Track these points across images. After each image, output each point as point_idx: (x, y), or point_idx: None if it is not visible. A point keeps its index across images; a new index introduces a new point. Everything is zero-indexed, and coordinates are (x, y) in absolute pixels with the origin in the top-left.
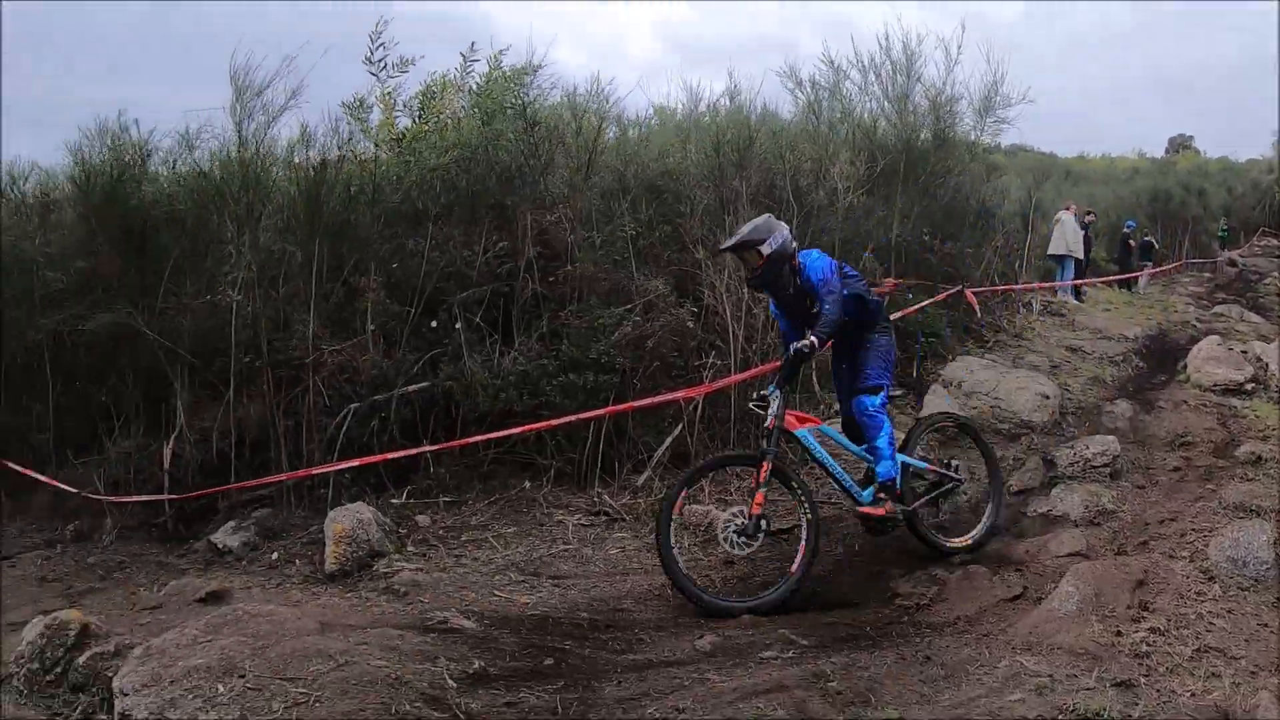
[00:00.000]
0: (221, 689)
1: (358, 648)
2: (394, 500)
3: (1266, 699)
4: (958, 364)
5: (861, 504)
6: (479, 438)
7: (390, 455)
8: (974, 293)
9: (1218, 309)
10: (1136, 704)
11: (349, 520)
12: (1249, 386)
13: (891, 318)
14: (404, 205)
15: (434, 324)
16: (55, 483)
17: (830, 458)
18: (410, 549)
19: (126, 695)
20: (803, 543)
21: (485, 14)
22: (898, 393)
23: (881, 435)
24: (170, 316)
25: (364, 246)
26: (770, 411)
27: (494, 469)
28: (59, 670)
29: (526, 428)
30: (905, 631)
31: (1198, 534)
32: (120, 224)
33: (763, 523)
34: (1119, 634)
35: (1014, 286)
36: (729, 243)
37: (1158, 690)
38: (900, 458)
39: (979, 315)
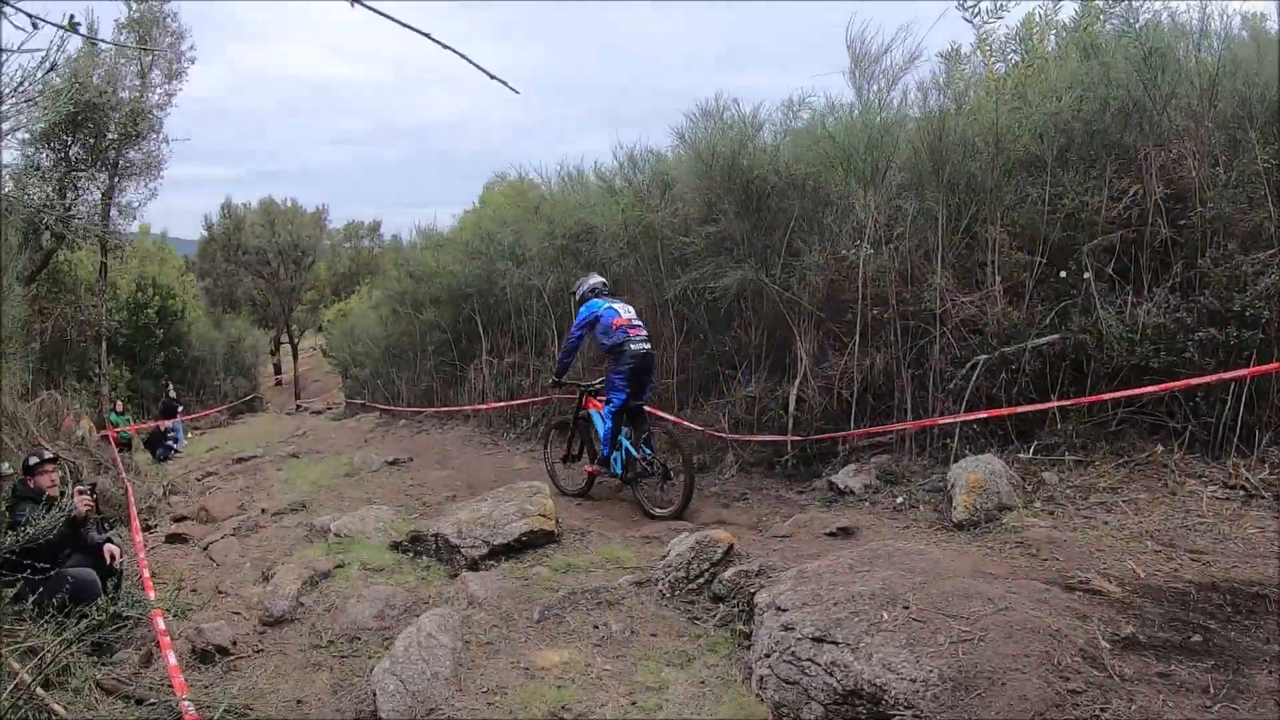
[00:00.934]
0: (886, 616)
1: (1010, 596)
2: (1020, 455)
3: None
4: None
5: (590, 464)
6: (1110, 395)
7: (1019, 409)
8: None
9: None
10: None
11: (981, 470)
12: None
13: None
14: (1020, 152)
15: (1062, 274)
16: (683, 421)
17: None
18: (1038, 505)
19: (785, 611)
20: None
21: None
22: None
23: (602, 429)
24: (794, 272)
25: (985, 197)
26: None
27: (1123, 429)
28: (702, 580)
29: (1162, 387)
30: None
31: None
32: (741, 191)
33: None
34: None
35: None
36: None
37: None
38: (625, 447)
39: None
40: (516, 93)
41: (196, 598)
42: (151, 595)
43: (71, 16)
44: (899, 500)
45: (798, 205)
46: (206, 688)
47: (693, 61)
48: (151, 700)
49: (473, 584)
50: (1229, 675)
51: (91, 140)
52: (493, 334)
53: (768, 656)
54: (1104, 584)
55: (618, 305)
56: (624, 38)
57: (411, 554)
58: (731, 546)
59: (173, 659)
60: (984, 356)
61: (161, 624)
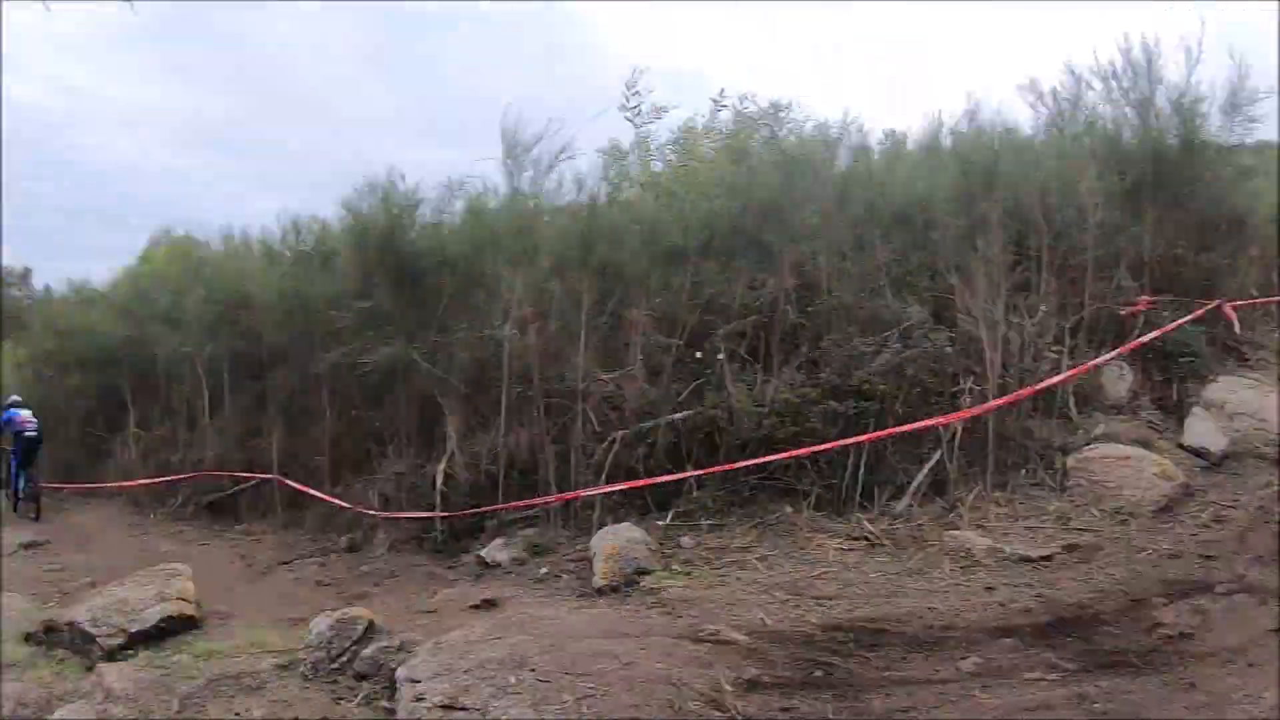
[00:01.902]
0: (513, 679)
1: (638, 652)
2: (659, 522)
3: None
4: (1219, 385)
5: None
6: (742, 464)
7: (655, 480)
8: (1233, 307)
9: None
10: None
11: (620, 539)
12: None
13: (1147, 338)
14: (667, 243)
15: (698, 355)
16: (331, 499)
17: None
18: (675, 568)
19: (418, 682)
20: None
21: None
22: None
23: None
24: (443, 350)
25: (632, 283)
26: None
27: (755, 494)
28: (344, 660)
29: (789, 454)
30: (1168, 659)
31: None
32: (395, 268)
33: None
34: None
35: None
36: None
37: None
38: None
39: (1239, 331)
40: None
41: None
42: None
43: None
44: (543, 571)
45: (451, 284)
46: None
47: (395, 129)
48: None
49: (109, 676)
50: (848, 702)
51: None
52: (142, 403)
53: None
54: (732, 634)
55: (23, 411)
56: (327, 99)
57: (46, 646)
58: (372, 623)
59: None
60: (623, 431)
61: None
